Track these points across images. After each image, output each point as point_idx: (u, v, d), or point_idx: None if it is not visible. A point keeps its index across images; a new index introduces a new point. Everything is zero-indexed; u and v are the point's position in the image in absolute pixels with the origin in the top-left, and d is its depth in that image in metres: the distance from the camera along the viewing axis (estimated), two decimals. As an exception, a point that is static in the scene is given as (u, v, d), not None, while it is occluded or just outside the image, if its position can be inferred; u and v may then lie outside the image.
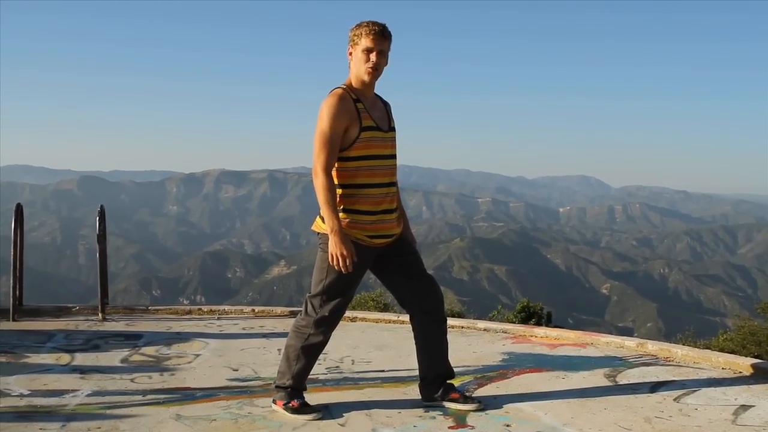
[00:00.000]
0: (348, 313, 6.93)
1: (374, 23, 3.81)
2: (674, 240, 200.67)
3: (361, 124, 3.82)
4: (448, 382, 4.17)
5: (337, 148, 3.80)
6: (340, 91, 3.85)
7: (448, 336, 4.20)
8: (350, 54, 3.87)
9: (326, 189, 3.76)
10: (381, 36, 3.79)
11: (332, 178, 3.81)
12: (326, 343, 4.05)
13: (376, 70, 3.83)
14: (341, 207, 3.86)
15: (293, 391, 4.00)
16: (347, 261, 3.75)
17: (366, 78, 3.83)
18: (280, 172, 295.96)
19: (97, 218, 6.79)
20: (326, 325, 3.98)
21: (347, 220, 3.85)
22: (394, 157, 4.01)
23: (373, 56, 3.79)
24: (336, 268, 3.79)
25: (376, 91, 4.00)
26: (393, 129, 4.01)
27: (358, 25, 3.83)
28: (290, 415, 3.92)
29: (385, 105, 4.05)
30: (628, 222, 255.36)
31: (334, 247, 3.75)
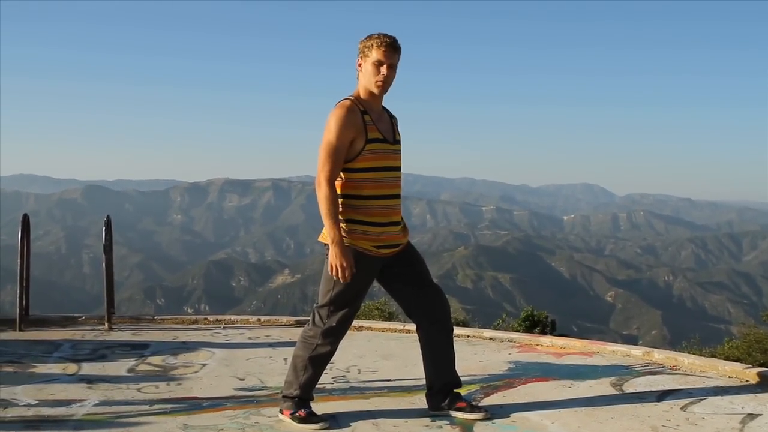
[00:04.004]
0: (354, 323, 6.90)
1: (385, 36, 3.80)
2: (679, 247, 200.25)
3: (367, 136, 3.82)
4: (455, 391, 4.17)
5: (342, 160, 3.81)
6: (348, 102, 3.85)
7: (454, 345, 4.20)
8: (360, 65, 3.87)
9: (329, 200, 3.77)
10: (392, 49, 3.79)
11: (335, 189, 3.82)
12: (334, 354, 4.05)
13: (385, 83, 3.84)
14: (349, 218, 3.87)
15: (300, 401, 4.00)
16: (346, 272, 3.77)
17: (375, 91, 3.85)
18: (284, 181, 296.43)
19: (103, 228, 6.81)
20: (334, 336, 3.98)
21: (354, 230, 3.86)
22: (399, 169, 4.02)
23: (383, 69, 3.79)
24: (335, 278, 3.81)
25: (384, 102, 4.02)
26: (398, 141, 4.01)
27: (369, 37, 3.82)
28: (297, 424, 3.93)
29: (392, 118, 4.05)
30: (633, 230, 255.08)
31: (334, 257, 3.77)
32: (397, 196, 4.00)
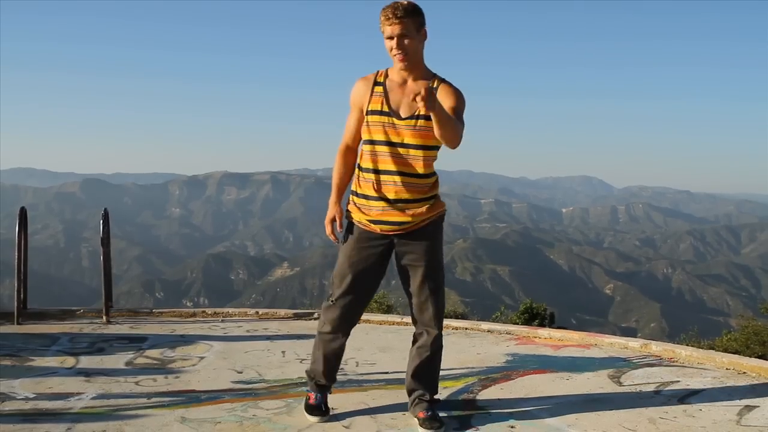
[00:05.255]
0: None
1: (390, 6, 3.62)
2: (677, 240, 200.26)
3: (368, 107, 3.77)
4: (422, 399, 3.93)
5: (351, 128, 3.85)
6: (374, 72, 3.85)
7: (434, 355, 3.94)
8: None
9: (334, 166, 3.91)
10: (395, 18, 3.59)
11: (342, 156, 3.91)
12: (334, 339, 3.96)
13: (402, 56, 3.66)
14: (352, 189, 3.91)
15: (317, 386, 4.03)
16: (327, 229, 3.88)
17: (398, 65, 3.72)
18: (282, 174, 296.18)
19: (101, 222, 6.80)
20: (331, 315, 3.92)
21: (353, 201, 3.89)
22: (408, 146, 3.72)
23: (393, 44, 3.64)
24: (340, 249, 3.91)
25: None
26: (419, 117, 3.69)
27: (381, 11, 3.68)
28: (305, 414, 3.97)
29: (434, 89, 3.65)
30: (631, 222, 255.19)
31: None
32: (399, 173, 3.74)
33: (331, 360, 4.02)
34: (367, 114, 3.77)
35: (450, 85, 3.78)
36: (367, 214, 3.82)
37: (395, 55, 3.66)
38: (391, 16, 3.58)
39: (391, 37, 3.62)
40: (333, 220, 3.89)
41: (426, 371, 3.94)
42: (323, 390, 4.06)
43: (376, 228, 3.81)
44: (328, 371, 4.03)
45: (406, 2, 3.63)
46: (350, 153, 3.92)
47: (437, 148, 3.79)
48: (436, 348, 3.93)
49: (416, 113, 3.70)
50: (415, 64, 3.72)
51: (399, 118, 3.73)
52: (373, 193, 3.80)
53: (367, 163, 3.80)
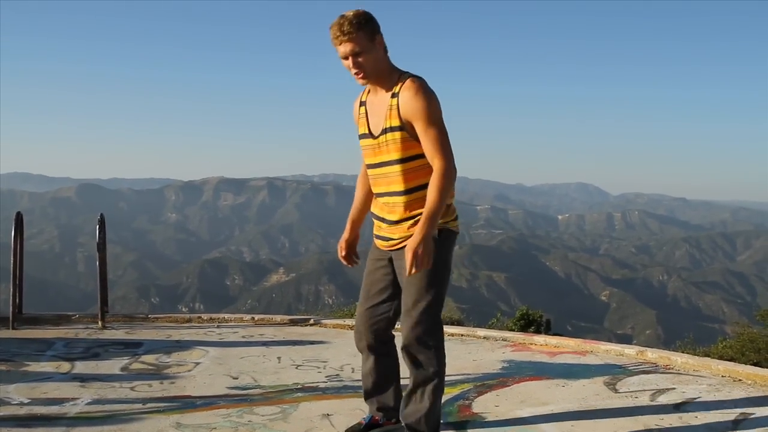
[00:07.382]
0: (347, 321, 6.94)
1: (335, 23, 3.32)
2: (673, 247, 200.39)
3: (358, 131, 3.61)
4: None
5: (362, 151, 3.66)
6: (364, 90, 3.63)
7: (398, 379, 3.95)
8: None
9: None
10: (344, 36, 3.29)
11: (360, 178, 3.79)
12: (363, 357, 3.95)
13: (360, 76, 3.39)
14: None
15: None
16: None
17: (360, 83, 3.48)
18: (279, 180, 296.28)
19: (97, 227, 6.80)
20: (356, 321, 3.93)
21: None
22: (389, 163, 3.46)
23: (348, 63, 3.36)
24: None
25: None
26: (386, 131, 3.41)
27: (329, 29, 3.36)
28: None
29: (393, 97, 3.40)
30: (627, 229, 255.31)
31: None
32: (385, 194, 3.54)
33: (366, 382, 3.91)
34: (359, 138, 3.59)
35: (413, 84, 3.37)
36: (376, 230, 3.77)
37: (354, 75, 3.38)
38: (339, 34, 3.29)
39: (345, 57, 3.34)
40: (342, 243, 3.83)
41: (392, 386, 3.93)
42: (371, 410, 3.92)
43: (377, 242, 3.76)
44: (366, 394, 3.92)
45: (352, 14, 3.32)
46: (365, 176, 3.74)
47: (418, 157, 3.40)
48: None
49: (384, 127, 3.43)
50: (377, 76, 3.42)
51: (374, 137, 3.48)
52: (376, 212, 3.71)
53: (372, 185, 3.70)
